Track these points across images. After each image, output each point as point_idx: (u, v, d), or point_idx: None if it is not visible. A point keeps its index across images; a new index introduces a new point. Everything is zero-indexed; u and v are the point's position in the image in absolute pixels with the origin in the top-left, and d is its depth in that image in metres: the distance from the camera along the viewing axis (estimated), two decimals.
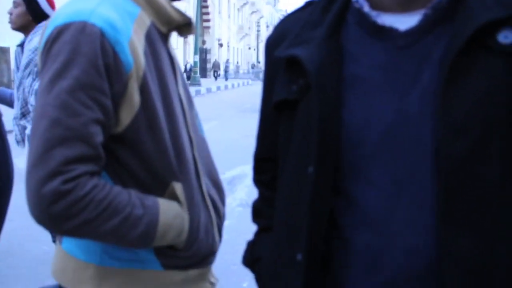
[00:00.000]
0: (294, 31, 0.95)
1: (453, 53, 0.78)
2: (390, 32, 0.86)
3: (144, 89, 1.00)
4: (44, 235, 3.26)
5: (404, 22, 0.85)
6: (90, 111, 0.93)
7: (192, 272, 1.14)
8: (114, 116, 0.98)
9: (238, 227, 2.78)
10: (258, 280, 1.06)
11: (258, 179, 1.16)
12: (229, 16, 52.35)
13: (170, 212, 1.04)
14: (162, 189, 1.06)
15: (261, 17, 70.80)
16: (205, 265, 1.17)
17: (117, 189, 0.98)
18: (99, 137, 0.95)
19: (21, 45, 2.98)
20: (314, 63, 0.87)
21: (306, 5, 1.01)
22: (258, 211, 1.15)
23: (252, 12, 65.53)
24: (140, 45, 1.01)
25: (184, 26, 1.16)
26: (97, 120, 0.94)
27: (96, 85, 0.93)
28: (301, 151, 0.90)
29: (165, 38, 1.13)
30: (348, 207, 0.88)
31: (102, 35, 0.95)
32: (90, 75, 0.93)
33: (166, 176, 1.05)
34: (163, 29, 1.12)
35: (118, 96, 0.97)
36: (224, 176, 5.69)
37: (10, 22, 2.96)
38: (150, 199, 1.02)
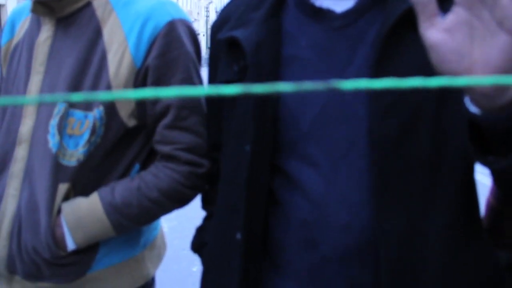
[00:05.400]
0: (236, 14, 0.95)
1: (384, 33, 0.80)
2: (327, 14, 0.87)
3: None
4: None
5: (341, 4, 0.87)
6: None
7: None
8: None
9: (187, 213, 2.76)
10: (204, 264, 1.06)
11: (211, 168, 1.16)
12: (177, 1, 51.44)
13: None
14: None
15: (210, 2, 69.92)
16: None
17: None
18: None
19: None
20: (251, 43, 0.88)
21: None
22: (207, 198, 1.16)
23: None
24: None
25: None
26: None
27: None
28: (239, 131, 0.91)
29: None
30: (287, 184, 0.89)
31: None
32: None
33: None
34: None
35: None
36: None
37: None
38: None
